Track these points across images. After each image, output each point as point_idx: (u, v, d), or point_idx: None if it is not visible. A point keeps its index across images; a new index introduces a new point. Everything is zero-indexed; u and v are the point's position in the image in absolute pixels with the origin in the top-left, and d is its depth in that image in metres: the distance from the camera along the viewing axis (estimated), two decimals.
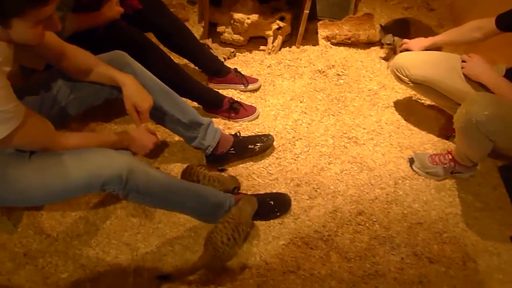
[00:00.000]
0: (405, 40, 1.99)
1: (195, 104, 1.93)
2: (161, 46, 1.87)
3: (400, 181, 1.76)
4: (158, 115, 1.58)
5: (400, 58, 1.80)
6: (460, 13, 2.44)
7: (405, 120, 2.01)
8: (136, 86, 1.38)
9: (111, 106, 1.64)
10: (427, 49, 1.88)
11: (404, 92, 2.13)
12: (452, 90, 1.67)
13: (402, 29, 2.34)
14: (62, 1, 1.32)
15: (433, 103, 1.99)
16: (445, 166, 1.73)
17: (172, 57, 1.82)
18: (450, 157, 1.71)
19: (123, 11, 1.67)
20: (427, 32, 2.20)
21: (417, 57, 1.77)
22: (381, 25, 2.29)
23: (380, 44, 2.38)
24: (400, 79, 1.80)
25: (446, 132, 1.95)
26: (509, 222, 1.64)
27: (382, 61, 2.32)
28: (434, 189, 1.74)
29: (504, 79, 1.50)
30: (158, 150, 1.80)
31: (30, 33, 0.98)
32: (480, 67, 1.56)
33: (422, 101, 2.10)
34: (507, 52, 1.63)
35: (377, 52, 2.37)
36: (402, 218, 1.64)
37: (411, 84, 1.76)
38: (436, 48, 1.92)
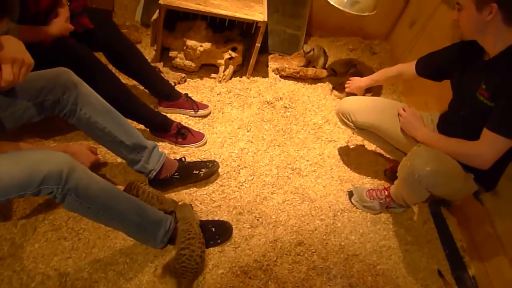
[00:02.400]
0: (347, 82, 2.24)
1: (142, 126, 1.90)
2: (110, 67, 1.84)
3: (339, 213, 1.82)
4: (101, 135, 1.54)
5: (346, 104, 1.84)
6: (398, 58, 2.65)
7: (346, 154, 2.10)
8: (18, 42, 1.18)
9: (50, 122, 1.58)
10: (365, 87, 2.07)
11: (346, 128, 2.23)
12: (395, 137, 1.74)
13: (346, 68, 2.49)
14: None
15: None
16: (381, 201, 1.81)
17: (120, 78, 1.79)
18: (386, 193, 1.80)
19: (72, 29, 1.64)
20: (369, 72, 2.35)
21: (362, 103, 1.82)
22: (303, 48, 2.48)
23: (325, 80, 2.51)
24: (345, 124, 1.86)
25: (384, 168, 2.06)
26: (436, 255, 1.74)
27: (327, 96, 2.43)
28: (370, 222, 1.82)
29: (434, 136, 1.59)
30: (97, 171, 1.74)
31: None
32: (413, 124, 1.65)
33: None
34: (439, 96, 1.78)
35: (323, 88, 2.49)
36: (339, 249, 1.68)
37: (356, 130, 1.84)
38: (371, 86, 2.17)
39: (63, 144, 1.43)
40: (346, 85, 2.26)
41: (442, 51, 1.69)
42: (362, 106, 1.80)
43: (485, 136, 1.37)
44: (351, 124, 1.81)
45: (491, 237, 1.66)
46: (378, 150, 2.12)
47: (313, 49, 2.40)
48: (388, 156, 2.06)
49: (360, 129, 1.81)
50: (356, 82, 2.22)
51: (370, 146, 2.16)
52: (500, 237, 1.62)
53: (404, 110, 1.70)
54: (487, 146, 1.37)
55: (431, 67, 1.74)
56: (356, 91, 2.23)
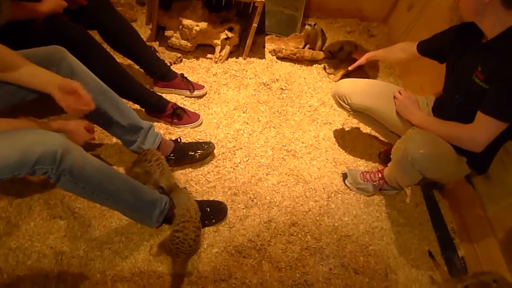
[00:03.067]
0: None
1: (137, 106, 1.89)
2: (105, 45, 1.81)
3: (333, 195, 1.84)
4: (96, 115, 1.53)
5: (342, 86, 1.83)
6: (396, 42, 2.61)
7: (341, 137, 2.11)
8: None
9: (46, 101, 1.56)
10: (367, 59, 2.08)
11: (341, 110, 2.23)
12: (391, 120, 1.74)
13: (344, 49, 2.47)
14: None
15: None
16: (374, 183, 1.83)
17: (115, 57, 1.77)
18: (379, 175, 1.82)
19: (66, 5, 1.60)
20: None
21: (359, 86, 1.81)
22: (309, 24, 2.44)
23: (322, 62, 2.50)
24: (341, 106, 1.85)
25: (378, 151, 2.07)
26: (427, 236, 1.77)
27: (324, 79, 2.42)
28: (364, 203, 1.84)
29: (429, 119, 1.59)
30: (92, 151, 1.74)
31: None
32: (408, 107, 1.64)
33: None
34: (435, 79, 1.78)
35: (319, 70, 2.48)
36: (332, 230, 1.71)
37: (352, 112, 1.83)
38: (373, 60, 2.18)
39: (60, 122, 1.42)
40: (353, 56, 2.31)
41: (442, 32, 1.67)
42: (358, 88, 1.79)
43: (479, 119, 1.38)
44: (347, 106, 1.80)
45: (482, 219, 1.69)
46: (373, 133, 2.13)
47: (315, 24, 2.38)
48: (382, 139, 2.07)
49: (356, 111, 1.81)
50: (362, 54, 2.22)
51: (365, 129, 2.17)
52: (490, 219, 1.65)
53: (400, 93, 1.70)
54: (480, 129, 1.38)
55: (432, 47, 1.73)
56: (362, 61, 2.18)
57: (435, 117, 1.62)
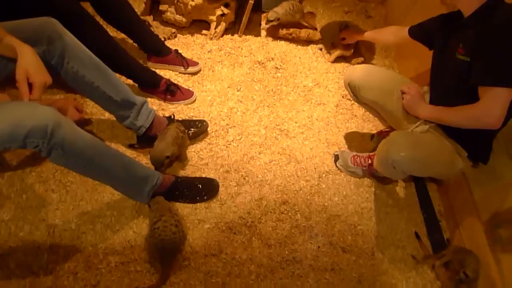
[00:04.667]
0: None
1: (130, 82, 1.88)
2: (98, 18, 1.78)
3: (324, 175, 1.86)
4: (88, 90, 1.52)
5: (357, 76, 1.76)
6: (393, 24, 2.61)
7: (334, 118, 2.12)
8: (34, 57, 1.23)
9: None
10: (358, 40, 2.16)
11: (336, 91, 2.24)
12: (395, 120, 1.72)
13: (340, 29, 2.45)
14: None
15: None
16: (364, 168, 1.85)
17: (108, 31, 1.74)
18: (369, 161, 1.83)
19: None
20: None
21: (372, 80, 1.74)
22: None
23: (318, 42, 2.48)
24: (350, 93, 1.82)
25: (371, 133, 2.08)
26: (414, 218, 1.81)
27: (319, 59, 2.41)
28: (354, 184, 1.87)
29: (437, 110, 1.55)
30: (85, 126, 1.73)
31: None
32: (417, 103, 1.61)
33: (352, 102, 2.22)
34: (428, 62, 1.78)
35: (315, 50, 2.46)
36: (322, 209, 1.74)
37: (357, 101, 1.83)
38: (364, 55, 2.27)
39: (49, 98, 1.40)
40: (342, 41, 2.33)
41: (431, 19, 1.68)
42: (372, 83, 1.73)
43: (482, 93, 1.35)
44: (354, 97, 1.79)
45: (468, 203, 1.72)
46: (367, 115, 2.14)
47: (278, 15, 2.28)
48: (376, 121, 2.08)
49: (363, 103, 1.81)
50: (352, 35, 2.28)
51: (359, 111, 2.18)
52: (476, 202, 1.69)
53: (408, 88, 1.65)
54: (488, 102, 1.34)
55: (421, 31, 1.73)
56: (351, 40, 2.28)
57: (441, 107, 1.56)
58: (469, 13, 1.41)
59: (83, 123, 1.73)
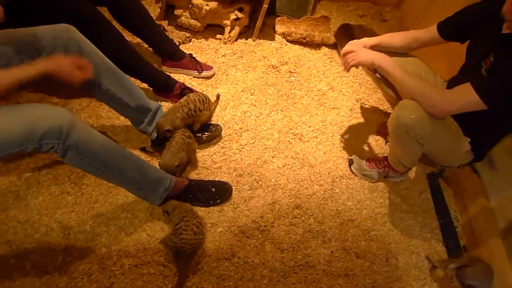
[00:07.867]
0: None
1: (145, 85, 1.89)
2: (114, 23, 1.81)
3: (337, 180, 1.85)
4: (104, 96, 1.54)
5: (406, 115, 1.48)
6: (408, 28, 2.58)
7: (348, 122, 2.10)
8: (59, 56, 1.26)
9: None
10: (371, 47, 1.78)
11: (350, 95, 2.22)
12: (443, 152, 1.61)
13: (354, 34, 2.44)
14: None
15: (375, 108, 2.11)
16: (380, 170, 1.83)
17: (124, 35, 1.76)
18: (385, 162, 1.82)
19: None
20: None
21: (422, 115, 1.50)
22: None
23: (332, 47, 2.46)
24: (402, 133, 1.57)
25: (385, 137, 2.06)
26: (429, 224, 1.78)
27: (333, 63, 2.40)
28: (368, 189, 1.85)
29: (393, 60, 1.52)
30: (99, 128, 1.75)
31: None
32: (370, 53, 1.57)
33: (366, 106, 2.21)
34: (440, 65, 1.75)
35: (329, 55, 2.45)
36: (335, 214, 1.72)
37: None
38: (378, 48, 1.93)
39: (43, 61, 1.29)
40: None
41: (464, 10, 1.57)
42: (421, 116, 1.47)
43: (463, 88, 1.34)
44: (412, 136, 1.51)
45: (485, 209, 1.69)
46: (381, 119, 2.12)
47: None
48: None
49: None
50: (364, 41, 1.81)
51: (373, 116, 2.16)
52: (492, 210, 1.65)
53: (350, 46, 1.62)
54: (456, 96, 1.35)
55: (455, 25, 1.60)
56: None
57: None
58: None
59: (98, 125, 1.75)
